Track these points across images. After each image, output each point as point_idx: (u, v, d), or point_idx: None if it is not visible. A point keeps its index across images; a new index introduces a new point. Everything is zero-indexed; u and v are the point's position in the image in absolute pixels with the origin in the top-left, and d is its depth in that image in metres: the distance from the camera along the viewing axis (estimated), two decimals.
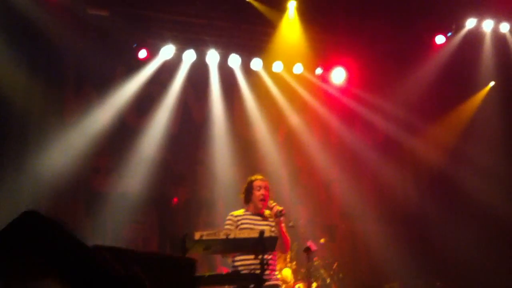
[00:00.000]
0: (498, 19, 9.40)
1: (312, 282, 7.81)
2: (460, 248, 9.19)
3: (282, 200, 8.79)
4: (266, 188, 5.50)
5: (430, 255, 9.46)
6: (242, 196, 5.57)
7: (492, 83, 10.13)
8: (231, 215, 5.50)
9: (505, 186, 9.64)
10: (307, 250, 5.17)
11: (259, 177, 5.56)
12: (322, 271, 8.03)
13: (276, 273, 5.60)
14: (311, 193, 9.98)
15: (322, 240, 8.71)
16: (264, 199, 5.43)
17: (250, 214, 5.45)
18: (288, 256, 7.73)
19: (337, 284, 8.01)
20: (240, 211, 5.53)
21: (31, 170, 7.94)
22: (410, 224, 9.91)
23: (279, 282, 5.68)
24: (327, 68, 9.79)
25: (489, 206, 9.47)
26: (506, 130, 9.79)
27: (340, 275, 8.31)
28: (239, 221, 5.39)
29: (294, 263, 7.74)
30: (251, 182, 5.51)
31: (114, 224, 8.47)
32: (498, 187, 9.63)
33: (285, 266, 7.81)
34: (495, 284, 8.97)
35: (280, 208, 5.27)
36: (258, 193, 5.43)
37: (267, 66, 9.39)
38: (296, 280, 7.56)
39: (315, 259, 8.13)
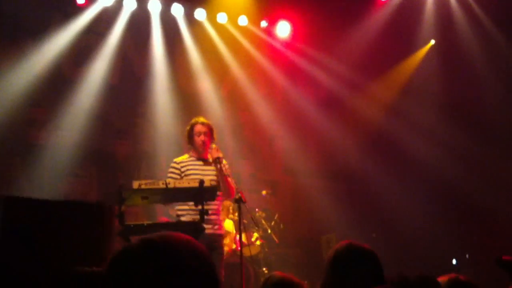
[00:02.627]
0: None
1: (252, 232, 7.91)
2: (398, 204, 9.47)
3: (225, 154, 8.75)
4: (206, 133, 5.42)
5: (368, 210, 9.73)
6: (185, 138, 5.49)
7: (432, 42, 10.31)
8: (175, 162, 5.41)
9: (442, 144, 9.93)
10: (239, 200, 5.17)
11: (200, 120, 5.47)
12: (263, 221, 8.12)
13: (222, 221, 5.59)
14: (254, 148, 10.00)
15: (264, 192, 8.80)
16: (204, 145, 5.36)
17: (194, 160, 5.39)
18: (231, 207, 7.76)
19: (277, 235, 8.13)
20: (184, 157, 5.44)
21: None
22: (350, 179, 10.13)
23: (223, 232, 5.68)
24: (272, 22, 9.68)
25: (427, 163, 9.78)
26: (445, 88, 10.03)
27: (281, 226, 8.44)
28: (183, 167, 5.31)
29: (236, 214, 7.78)
30: (192, 126, 5.43)
31: (50, 177, 8.20)
32: (436, 145, 9.93)
33: (227, 217, 7.84)
34: (430, 238, 9.35)
35: (217, 155, 5.23)
36: (198, 139, 5.37)
37: (211, 17, 9.17)
38: (238, 231, 7.60)
39: (256, 209, 8.21)
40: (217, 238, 5.26)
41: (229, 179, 5.26)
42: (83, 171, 8.62)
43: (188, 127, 5.49)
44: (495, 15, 9.63)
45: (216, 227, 5.23)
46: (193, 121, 5.48)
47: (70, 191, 8.47)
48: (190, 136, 5.42)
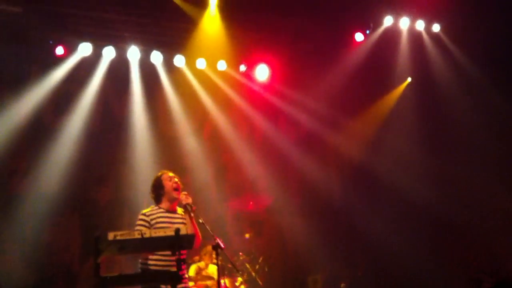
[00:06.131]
0: (414, 16, 9.73)
1: (236, 277, 7.83)
2: (383, 237, 9.47)
3: (208, 197, 8.78)
4: (177, 178, 5.37)
5: (354, 246, 9.72)
6: (151, 195, 5.38)
7: (409, 79, 10.52)
8: (143, 214, 5.27)
9: (422, 175, 10.04)
10: (217, 247, 5.15)
11: (165, 171, 5.43)
12: (247, 265, 8.06)
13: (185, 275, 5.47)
14: (237, 189, 10.00)
15: (247, 235, 8.78)
16: (177, 188, 5.30)
17: (164, 211, 5.32)
18: (214, 252, 7.67)
19: (262, 278, 8.07)
20: (150, 208, 5.33)
21: None
22: (334, 216, 10.13)
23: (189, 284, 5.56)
24: (251, 65, 9.81)
25: (408, 194, 9.83)
26: (422, 123, 10.20)
27: (266, 268, 8.39)
28: (152, 219, 5.23)
29: (220, 258, 7.73)
30: (159, 176, 5.37)
31: (33, 227, 8.18)
32: (415, 176, 10.02)
33: (211, 262, 7.78)
34: (417, 271, 9.32)
35: (187, 202, 5.18)
36: (170, 183, 5.28)
37: (190, 63, 9.29)
38: (222, 276, 7.53)
39: (240, 254, 8.17)
40: None
41: (197, 228, 5.22)
42: (65, 220, 8.58)
43: (153, 182, 5.40)
44: (467, 49, 9.88)
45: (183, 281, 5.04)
46: (158, 174, 5.43)
47: (53, 241, 8.42)
48: (159, 186, 5.33)
